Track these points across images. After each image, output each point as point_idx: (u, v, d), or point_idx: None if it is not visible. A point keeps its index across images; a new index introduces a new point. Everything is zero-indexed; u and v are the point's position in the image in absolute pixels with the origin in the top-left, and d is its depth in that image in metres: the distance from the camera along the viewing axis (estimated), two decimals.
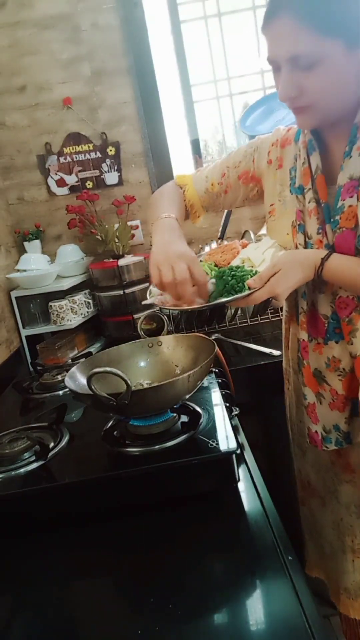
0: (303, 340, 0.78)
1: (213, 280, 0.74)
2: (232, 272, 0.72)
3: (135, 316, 1.44)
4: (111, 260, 1.51)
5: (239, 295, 0.69)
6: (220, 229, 1.49)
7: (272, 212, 0.82)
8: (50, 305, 1.42)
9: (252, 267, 0.74)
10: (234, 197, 0.89)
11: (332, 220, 0.70)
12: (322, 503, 0.90)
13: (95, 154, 1.60)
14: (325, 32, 0.59)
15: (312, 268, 0.70)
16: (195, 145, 1.75)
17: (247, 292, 0.69)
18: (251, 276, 0.71)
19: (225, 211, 1.47)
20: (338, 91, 0.64)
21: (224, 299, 0.70)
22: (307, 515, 0.96)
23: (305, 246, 0.74)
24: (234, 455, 0.66)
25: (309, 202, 0.73)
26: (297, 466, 0.95)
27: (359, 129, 0.67)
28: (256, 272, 0.72)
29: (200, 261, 0.83)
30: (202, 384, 0.85)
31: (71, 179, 1.62)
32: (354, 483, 0.83)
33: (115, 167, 1.61)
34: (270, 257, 0.75)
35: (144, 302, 0.82)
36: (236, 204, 0.91)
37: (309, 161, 0.73)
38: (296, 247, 0.75)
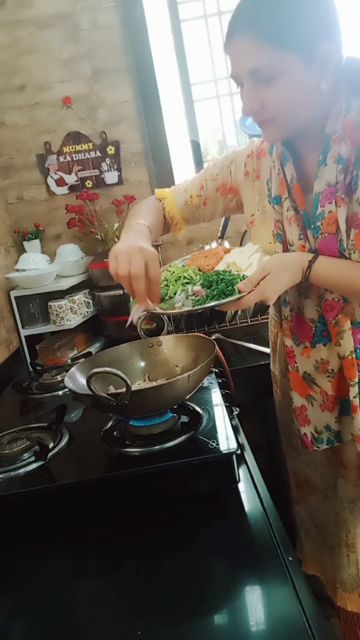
0: (287, 346, 0.80)
1: (198, 287, 0.74)
2: (221, 276, 0.73)
3: None
4: None
5: (229, 298, 0.69)
6: (221, 228, 1.49)
7: (253, 222, 0.84)
8: (50, 305, 1.42)
9: (238, 271, 0.75)
10: (213, 209, 0.91)
11: (312, 226, 0.72)
12: (324, 497, 0.90)
13: (95, 153, 1.60)
14: (281, 46, 0.62)
15: (300, 271, 0.71)
16: (195, 144, 1.74)
17: (237, 295, 0.69)
18: (240, 280, 0.72)
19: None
20: (298, 103, 0.66)
21: (214, 302, 0.70)
22: (303, 513, 0.97)
23: (288, 251, 0.76)
24: (234, 456, 0.66)
25: (287, 211, 0.74)
26: (291, 466, 0.97)
27: (331, 138, 0.69)
28: (244, 276, 0.73)
29: (183, 265, 0.83)
30: (202, 384, 0.85)
31: (71, 178, 1.62)
32: (346, 479, 0.84)
33: (115, 167, 1.61)
34: (257, 262, 0.76)
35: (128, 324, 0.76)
36: (216, 215, 0.92)
37: (284, 172, 0.75)
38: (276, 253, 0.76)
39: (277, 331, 0.88)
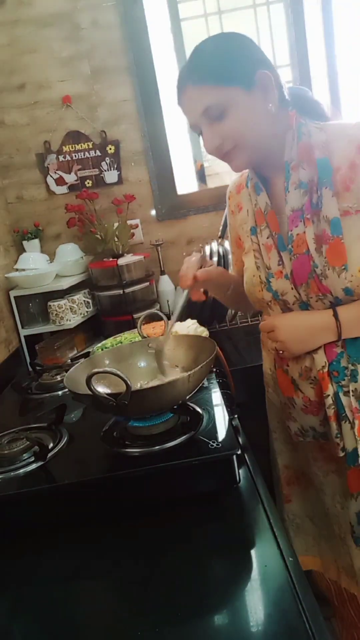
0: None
1: None
2: None
3: (135, 316, 1.44)
4: (110, 259, 1.51)
5: None
6: (221, 228, 1.49)
7: (247, 253, 0.87)
8: (50, 305, 1.42)
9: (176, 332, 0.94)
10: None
11: (287, 247, 0.76)
12: (317, 491, 0.92)
13: (95, 153, 1.60)
14: (223, 82, 0.70)
15: (331, 331, 0.74)
16: (195, 144, 1.74)
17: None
18: None
19: (226, 210, 1.46)
20: (253, 127, 0.73)
21: None
22: (295, 510, 0.98)
23: (267, 278, 0.79)
24: (234, 456, 0.66)
25: (267, 238, 0.79)
26: (284, 462, 0.97)
27: (290, 165, 0.74)
28: None
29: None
30: (203, 384, 0.85)
31: (70, 178, 1.61)
32: (339, 473, 0.85)
33: (115, 166, 1.61)
34: (193, 331, 1.00)
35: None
36: None
37: (258, 202, 0.80)
38: (261, 282, 0.80)
39: None
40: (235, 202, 0.90)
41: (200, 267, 0.85)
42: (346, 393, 0.75)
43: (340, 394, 0.75)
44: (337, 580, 0.92)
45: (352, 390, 0.75)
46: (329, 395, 0.76)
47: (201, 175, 1.77)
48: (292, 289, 0.76)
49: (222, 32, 0.78)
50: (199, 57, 0.73)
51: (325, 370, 0.75)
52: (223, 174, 1.82)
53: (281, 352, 0.79)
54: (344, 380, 0.75)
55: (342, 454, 0.77)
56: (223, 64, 0.71)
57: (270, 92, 0.71)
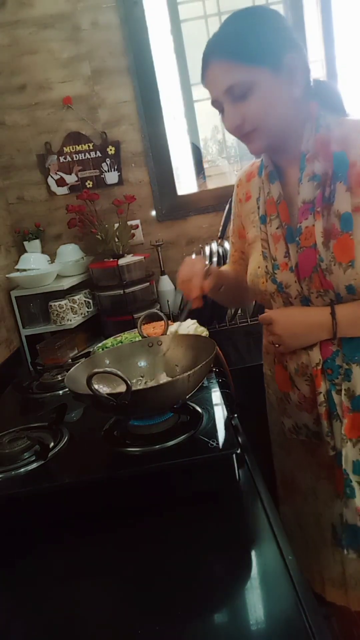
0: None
1: None
2: None
3: (135, 316, 1.44)
4: (111, 259, 1.51)
5: None
6: (221, 228, 1.49)
7: (251, 244, 0.87)
8: (50, 305, 1.42)
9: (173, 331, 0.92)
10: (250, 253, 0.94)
11: (296, 239, 0.75)
12: (305, 498, 0.91)
13: (95, 154, 1.60)
14: (250, 62, 0.68)
15: (326, 328, 0.74)
16: (195, 144, 1.75)
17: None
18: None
19: (225, 211, 1.47)
20: (275, 110, 0.71)
21: None
22: (289, 514, 0.97)
23: (273, 269, 0.78)
24: (234, 455, 0.66)
25: (276, 228, 0.78)
26: (278, 466, 0.97)
27: (306, 156, 0.74)
28: None
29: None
30: (203, 383, 0.85)
31: (71, 179, 1.62)
32: (331, 479, 0.84)
33: (115, 167, 1.61)
34: (193, 331, 1.02)
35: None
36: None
37: (272, 191, 0.79)
38: (266, 273, 0.79)
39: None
40: (244, 190, 0.88)
41: (205, 273, 0.83)
42: (338, 391, 0.75)
43: (333, 392, 0.75)
44: (322, 593, 0.91)
45: (345, 389, 0.75)
46: (321, 392, 0.76)
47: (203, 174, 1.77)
48: (295, 282, 0.75)
49: (255, 5, 0.74)
50: (227, 32, 0.70)
51: (319, 367, 0.75)
52: (223, 175, 1.82)
53: (277, 345, 0.79)
54: (337, 378, 0.75)
55: (332, 453, 0.77)
56: (252, 42, 0.68)
57: (297, 76, 0.70)
